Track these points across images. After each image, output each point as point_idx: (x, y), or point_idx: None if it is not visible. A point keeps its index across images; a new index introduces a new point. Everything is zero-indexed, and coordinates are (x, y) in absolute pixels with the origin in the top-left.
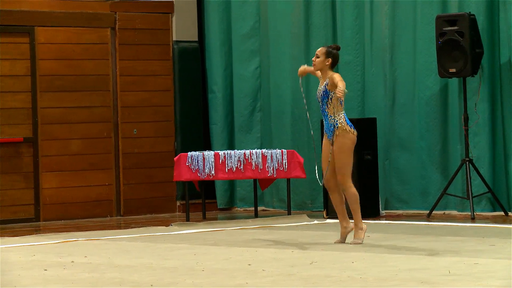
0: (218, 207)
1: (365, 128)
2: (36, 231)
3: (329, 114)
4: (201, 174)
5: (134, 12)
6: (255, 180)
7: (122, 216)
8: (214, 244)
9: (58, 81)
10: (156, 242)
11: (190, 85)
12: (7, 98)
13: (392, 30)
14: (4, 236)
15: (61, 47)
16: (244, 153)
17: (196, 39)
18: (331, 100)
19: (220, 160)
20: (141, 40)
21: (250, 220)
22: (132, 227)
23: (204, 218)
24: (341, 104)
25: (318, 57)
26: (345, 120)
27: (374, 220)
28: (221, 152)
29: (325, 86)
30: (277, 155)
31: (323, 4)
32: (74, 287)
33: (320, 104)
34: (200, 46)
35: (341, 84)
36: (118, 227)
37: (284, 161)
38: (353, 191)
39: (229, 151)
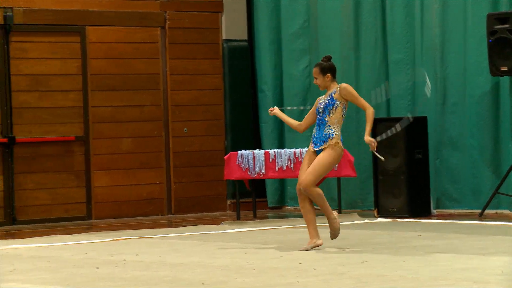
0: (269, 206)
1: (416, 127)
2: (88, 229)
3: (327, 124)
4: (251, 172)
5: (184, 11)
6: None
7: (173, 214)
8: (264, 243)
9: (108, 80)
10: (207, 240)
11: (240, 84)
12: (58, 97)
13: (442, 28)
14: (56, 234)
15: (112, 46)
16: (294, 151)
17: (245, 38)
18: (335, 109)
19: (271, 159)
20: (191, 39)
21: (300, 219)
22: (183, 226)
23: (255, 217)
24: (342, 117)
25: (317, 79)
26: (339, 135)
27: (426, 219)
28: (271, 151)
29: (331, 95)
30: None
31: (373, 2)
32: (126, 285)
33: (320, 114)
34: (249, 45)
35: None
36: (169, 225)
37: None
38: (316, 190)
39: (279, 150)
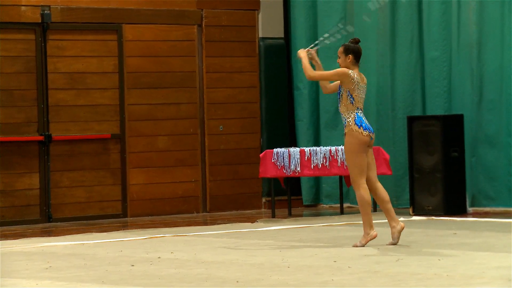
0: (304, 204)
1: (452, 125)
2: (123, 227)
3: (341, 112)
4: (286, 170)
5: (220, 9)
6: (340, 177)
7: (208, 212)
8: (299, 240)
9: (145, 78)
10: (242, 238)
11: (276, 81)
12: (95, 95)
13: (479, 26)
14: (92, 232)
15: (148, 44)
16: (330, 149)
17: (282, 35)
18: (341, 97)
19: (306, 157)
20: (227, 37)
21: (336, 217)
22: (218, 223)
23: (290, 215)
24: (351, 103)
25: (339, 58)
26: (355, 120)
27: (461, 217)
28: (306, 149)
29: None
30: None
31: (409, 1)
32: (161, 283)
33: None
34: (286, 42)
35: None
36: (205, 223)
37: None
38: (361, 193)
39: (314, 148)
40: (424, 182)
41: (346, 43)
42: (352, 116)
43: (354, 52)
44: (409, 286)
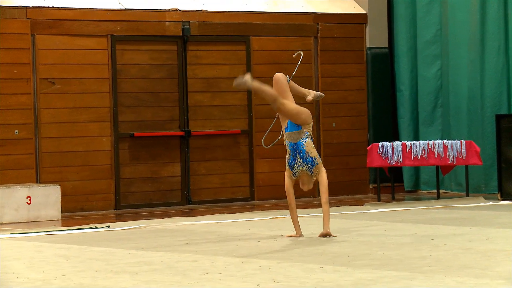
0: (405, 190)
1: None
2: (251, 208)
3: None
4: (390, 161)
5: (333, 23)
6: (437, 167)
7: None
8: (401, 221)
9: (270, 82)
10: (352, 219)
11: (381, 85)
12: (227, 96)
13: None
14: (224, 212)
15: (272, 54)
16: (428, 143)
17: (386, 45)
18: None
19: (407, 149)
20: (339, 47)
21: (433, 201)
22: (331, 206)
23: (393, 199)
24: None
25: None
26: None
27: None
28: (407, 143)
29: None
30: (457, 145)
31: (496, 13)
32: (283, 257)
33: None
34: (389, 51)
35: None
36: (320, 206)
37: (462, 150)
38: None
39: (414, 142)
40: (510, 171)
41: None
42: None
43: None
44: (498, 261)
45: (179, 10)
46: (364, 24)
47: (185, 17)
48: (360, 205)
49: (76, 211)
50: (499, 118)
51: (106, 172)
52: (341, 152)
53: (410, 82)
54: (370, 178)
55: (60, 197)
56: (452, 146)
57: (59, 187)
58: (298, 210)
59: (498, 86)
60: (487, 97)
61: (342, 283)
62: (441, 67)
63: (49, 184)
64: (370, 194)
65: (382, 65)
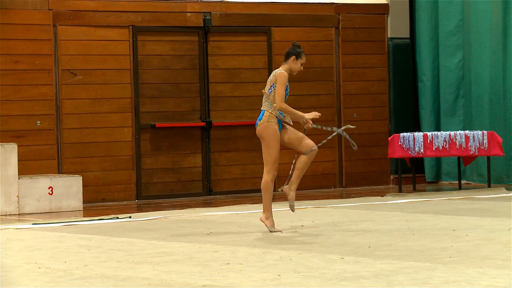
0: (426, 181)
1: None
2: (272, 199)
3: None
4: (411, 152)
5: (354, 14)
6: (458, 157)
7: (344, 187)
8: (423, 212)
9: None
10: (374, 210)
11: (402, 75)
12: (248, 87)
13: None
14: (245, 203)
15: None
16: (449, 134)
17: (407, 36)
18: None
19: (428, 140)
20: (361, 37)
21: (454, 192)
22: (352, 197)
23: (414, 190)
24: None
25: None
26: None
27: None
28: (429, 133)
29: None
30: (479, 136)
31: None
32: (303, 248)
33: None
34: (411, 41)
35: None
36: (341, 196)
37: (484, 141)
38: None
39: (436, 132)
40: None
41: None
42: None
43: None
44: None
45: (200, 1)
46: (386, 15)
47: (206, 8)
48: (382, 196)
49: (98, 201)
50: None
51: (128, 163)
52: (363, 143)
53: (432, 73)
54: (391, 169)
55: (81, 188)
56: (474, 136)
57: (81, 177)
58: (319, 201)
59: None
60: (509, 87)
61: (363, 274)
62: (463, 58)
63: (71, 175)
64: (391, 185)
65: (404, 56)
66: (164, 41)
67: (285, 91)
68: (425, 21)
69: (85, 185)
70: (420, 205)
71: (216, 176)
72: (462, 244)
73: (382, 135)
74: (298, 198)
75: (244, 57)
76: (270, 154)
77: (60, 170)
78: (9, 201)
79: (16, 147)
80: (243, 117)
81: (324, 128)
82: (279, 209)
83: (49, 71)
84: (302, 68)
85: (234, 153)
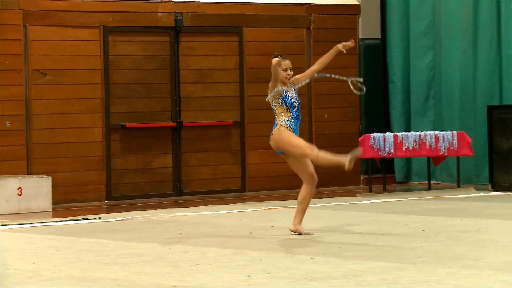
0: (396, 181)
1: None
2: (243, 200)
3: (300, 117)
4: (382, 152)
5: (326, 14)
6: (428, 158)
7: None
8: (393, 212)
9: (262, 73)
10: (344, 210)
11: (373, 76)
12: (219, 88)
13: None
14: (216, 204)
15: (265, 45)
16: (419, 134)
17: (378, 36)
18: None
19: (399, 140)
20: (332, 38)
21: (424, 192)
22: (323, 197)
23: (384, 190)
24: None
25: (291, 70)
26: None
27: None
28: (399, 134)
29: (296, 91)
30: (448, 136)
31: (489, 3)
32: (275, 248)
33: (296, 109)
34: (382, 42)
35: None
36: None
37: (454, 141)
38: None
39: (406, 133)
40: (501, 162)
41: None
42: None
43: None
44: (488, 251)
45: (172, 1)
46: (357, 15)
47: (177, 8)
48: (352, 196)
49: (67, 202)
50: (491, 109)
51: (98, 163)
52: (333, 143)
53: (403, 73)
54: (361, 169)
55: (51, 189)
56: (443, 137)
57: (50, 178)
58: (289, 201)
59: (490, 77)
60: (479, 88)
61: (333, 274)
62: (434, 58)
63: (41, 176)
64: (361, 185)
65: (375, 56)
66: (135, 41)
67: (286, 99)
68: (396, 21)
69: (54, 186)
70: (390, 205)
71: (187, 176)
72: (431, 244)
73: (353, 136)
74: (268, 198)
75: (215, 57)
76: (298, 150)
77: (29, 170)
78: None
79: None
80: (214, 117)
81: (333, 76)
82: (249, 210)
83: (19, 71)
84: (290, 72)
85: (205, 153)
